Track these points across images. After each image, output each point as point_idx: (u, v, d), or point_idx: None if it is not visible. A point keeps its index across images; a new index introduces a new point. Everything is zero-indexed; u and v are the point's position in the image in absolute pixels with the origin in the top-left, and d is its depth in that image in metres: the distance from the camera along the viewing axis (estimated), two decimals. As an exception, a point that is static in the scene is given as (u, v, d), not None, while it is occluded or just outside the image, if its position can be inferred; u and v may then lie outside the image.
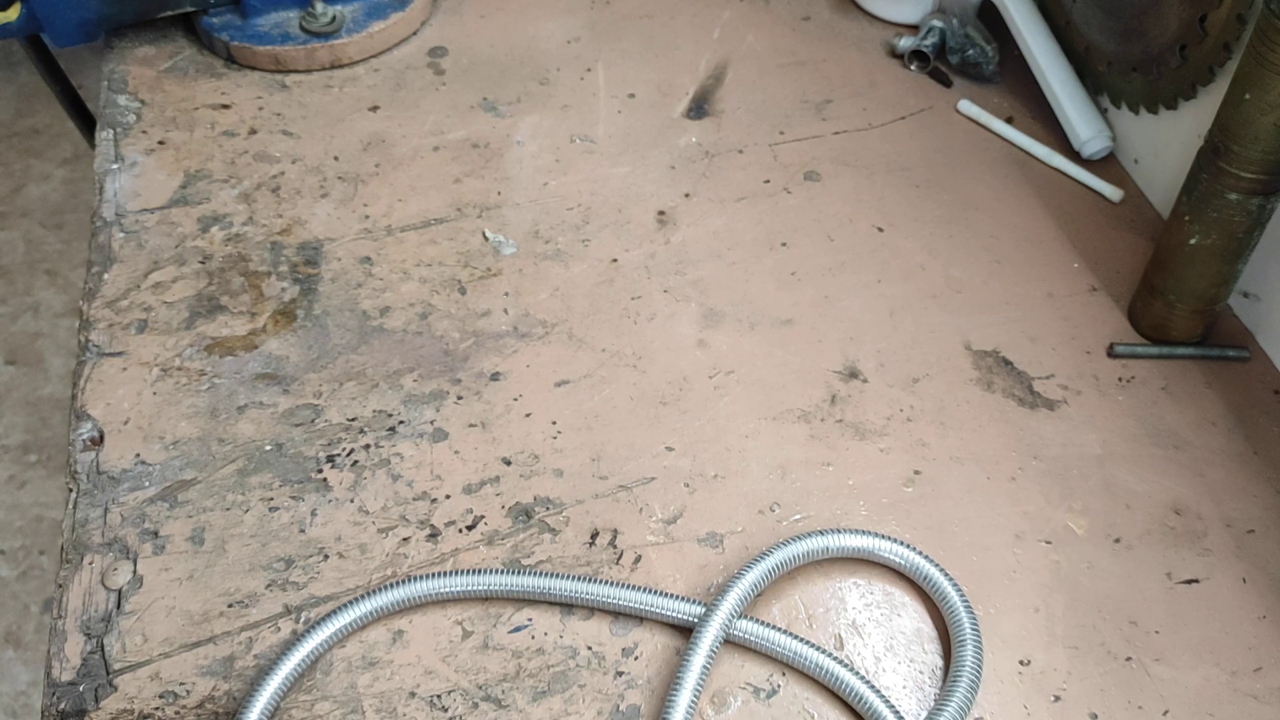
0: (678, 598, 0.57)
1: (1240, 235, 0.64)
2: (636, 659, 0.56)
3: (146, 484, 0.62)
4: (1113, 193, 0.81)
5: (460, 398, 0.67)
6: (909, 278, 0.75)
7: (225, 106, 0.86)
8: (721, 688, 0.55)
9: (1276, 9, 0.56)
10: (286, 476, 0.63)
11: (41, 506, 1.68)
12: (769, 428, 0.66)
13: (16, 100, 2.32)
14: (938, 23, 0.91)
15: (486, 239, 0.77)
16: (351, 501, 0.62)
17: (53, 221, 2.10)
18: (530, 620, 0.57)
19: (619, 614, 0.58)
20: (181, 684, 0.54)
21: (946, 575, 0.58)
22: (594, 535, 0.61)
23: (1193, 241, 0.66)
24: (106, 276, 0.73)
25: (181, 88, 0.88)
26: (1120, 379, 0.70)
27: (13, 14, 0.82)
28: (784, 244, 0.78)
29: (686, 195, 0.81)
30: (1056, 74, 0.85)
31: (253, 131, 0.84)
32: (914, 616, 0.58)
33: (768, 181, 0.82)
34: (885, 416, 0.67)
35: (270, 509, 0.61)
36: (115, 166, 0.81)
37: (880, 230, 0.79)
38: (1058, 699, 0.55)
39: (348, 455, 0.64)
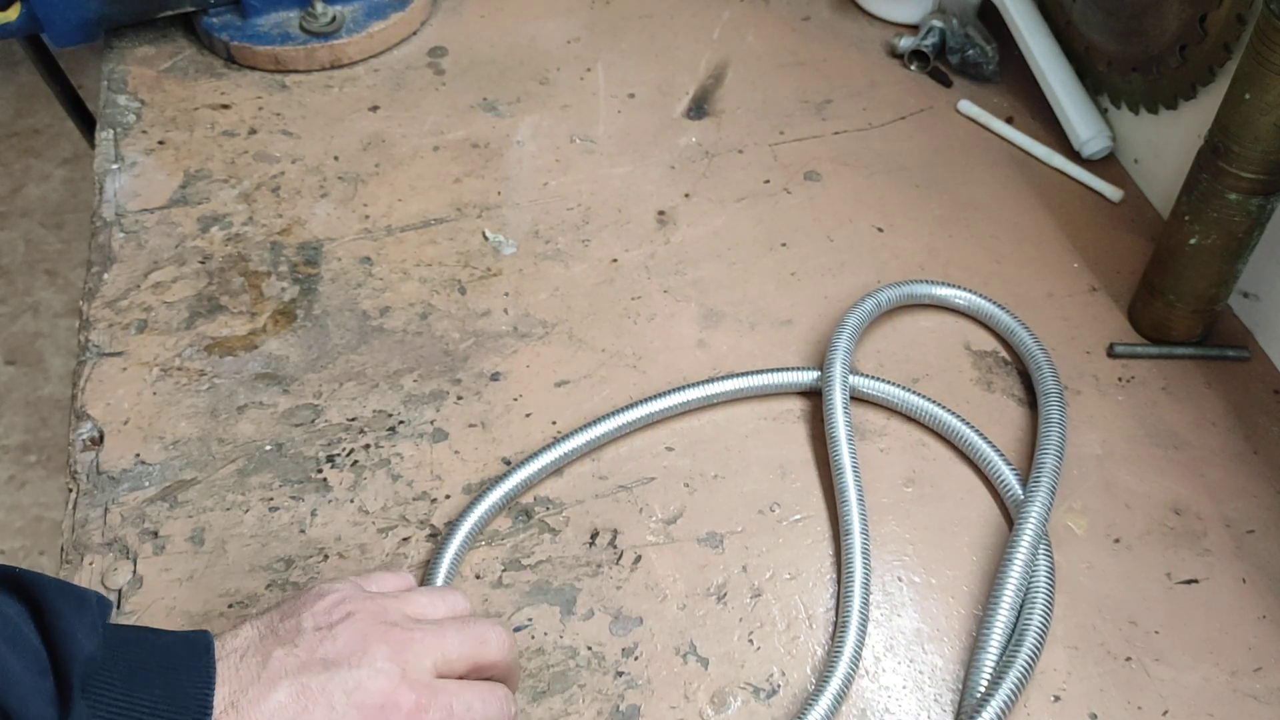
0: (789, 368, 0.67)
1: (1240, 235, 0.64)
2: (636, 659, 0.56)
3: (146, 484, 0.62)
4: (1113, 193, 0.81)
5: (460, 398, 0.67)
6: (909, 278, 0.75)
7: (225, 106, 0.86)
8: (721, 688, 0.55)
9: (1276, 9, 0.56)
10: (286, 476, 0.63)
11: (41, 506, 1.68)
12: (769, 428, 0.67)
13: (16, 100, 2.32)
14: (938, 23, 0.91)
15: (486, 239, 0.77)
16: (351, 501, 0.62)
17: (53, 221, 2.10)
18: (530, 620, 0.57)
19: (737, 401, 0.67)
20: (181, 684, 0.54)
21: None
22: (594, 535, 0.61)
23: (1193, 241, 0.66)
24: (106, 276, 0.73)
25: (181, 88, 0.88)
26: (1120, 379, 0.70)
27: (13, 14, 0.82)
28: (784, 244, 0.78)
29: (686, 195, 0.81)
30: (1056, 74, 0.85)
31: (253, 131, 0.84)
32: (914, 616, 0.58)
33: (768, 181, 0.82)
34: (885, 416, 0.67)
35: (270, 509, 0.61)
36: (115, 166, 0.81)
37: (880, 230, 0.79)
38: (1057, 699, 0.55)
39: (348, 455, 0.64)
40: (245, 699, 0.43)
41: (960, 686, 0.55)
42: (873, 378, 0.67)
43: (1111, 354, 0.71)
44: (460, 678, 0.48)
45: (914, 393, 0.66)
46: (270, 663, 0.45)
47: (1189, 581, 0.60)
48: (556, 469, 0.63)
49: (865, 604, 0.57)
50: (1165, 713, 0.55)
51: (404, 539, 0.60)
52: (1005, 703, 0.52)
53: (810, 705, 0.53)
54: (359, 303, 0.72)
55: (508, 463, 0.64)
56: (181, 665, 0.43)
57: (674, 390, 0.66)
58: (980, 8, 0.92)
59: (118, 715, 0.41)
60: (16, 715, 0.39)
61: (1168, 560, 0.61)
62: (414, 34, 0.94)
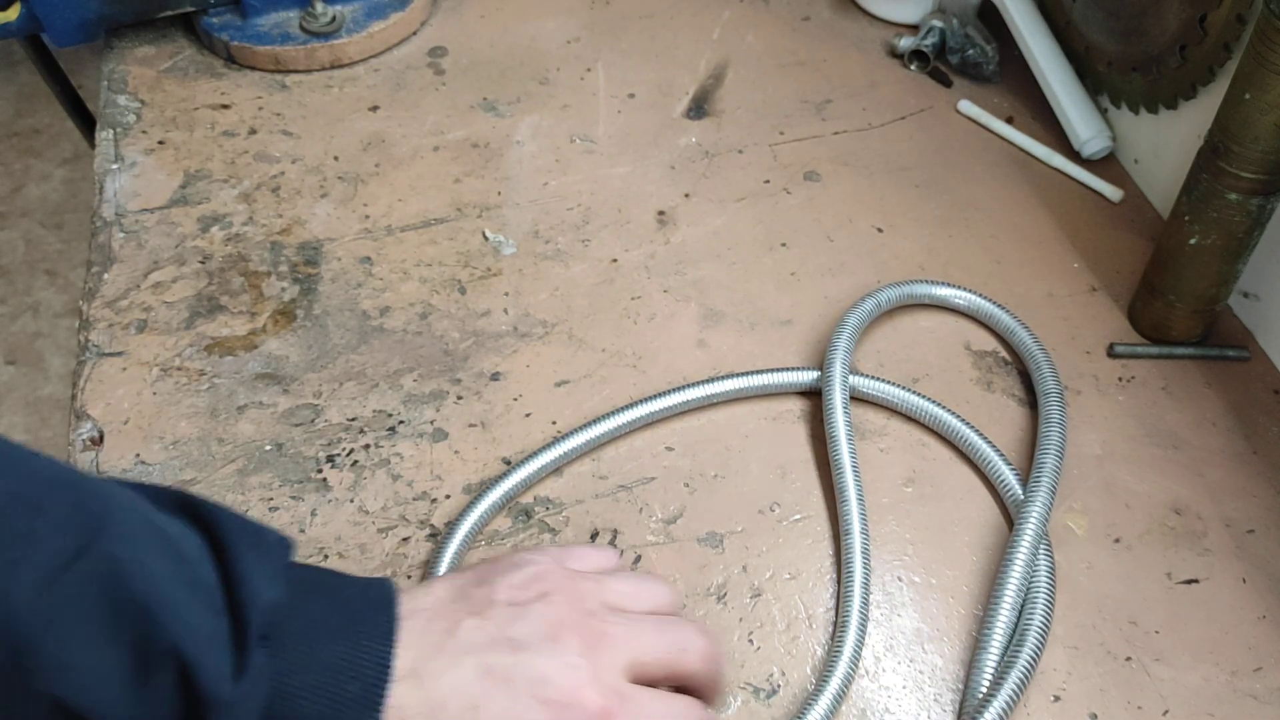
0: (790, 368, 0.67)
1: (1240, 235, 0.64)
2: (636, 659, 0.56)
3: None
4: (1113, 193, 0.81)
5: (460, 398, 0.67)
6: (909, 278, 0.75)
7: (225, 106, 0.86)
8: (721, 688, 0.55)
9: (1276, 9, 0.56)
10: (286, 476, 0.63)
11: (41, 506, 1.68)
12: (769, 428, 0.67)
13: (16, 100, 2.32)
14: (938, 23, 0.91)
15: (486, 239, 0.77)
16: (351, 501, 0.62)
17: (53, 221, 2.10)
18: (530, 620, 0.57)
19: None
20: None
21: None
22: (594, 535, 0.61)
23: (1193, 241, 0.66)
24: (106, 276, 0.73)
25: (181, 88, 0.88)
26: (1120, 379, 0.70)
27: (13, 14, 0.82)
28: (784, 244, 0.78)
29: (686, 195, 0.81)
30: (1056, 74, 0.85)
31: (253, 131, 0.84)
32: (914, 616, 0.58)
33: (768, 181, 0.82)
34: (885, 416, 0.67)
35: (270, 509, 0.61)
36: (115, 166, 0.81)
37: (880, 230, 0.79)
38: (1057, 699, 0.55)
39: (348, 455, 0.64)
40: (429, 668, 0.41)
41: (961, 686, 0.55)
42: (873, 378, 0.67)
43: (1111, 354, 0.71)
44: (653, 683, 0.45)
45: (914, 393, 0.66)
46: (459, 632, 0.42)
47: (1189, 581, 0.60)
48: (556, 469, 0.63)
49: (865, 604, 0.57)
50: (1165, 713, 0.55)
51: (404, 539, 0.60)
52: (1007, 703, 0.52)
53: (810, 705, 0.53)
54: (359, 303, 0.72)
55: (508, 462, 0.64)
56: (364, 620, 0.41)
57: (674, 390, 0.66)
58: (980, 8, 0.92)
59: (298, 669, 0.39)
60: (193, 663, 0.36)
61: (1168, 560, 0.61)
62: (414, 34, 0.94)
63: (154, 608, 0.36)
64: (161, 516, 0.39)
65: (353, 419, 0.66)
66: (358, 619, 0.41)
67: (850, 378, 0.66)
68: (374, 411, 0.66)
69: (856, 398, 0.67)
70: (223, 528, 0.40)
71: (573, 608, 0.44)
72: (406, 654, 0.41)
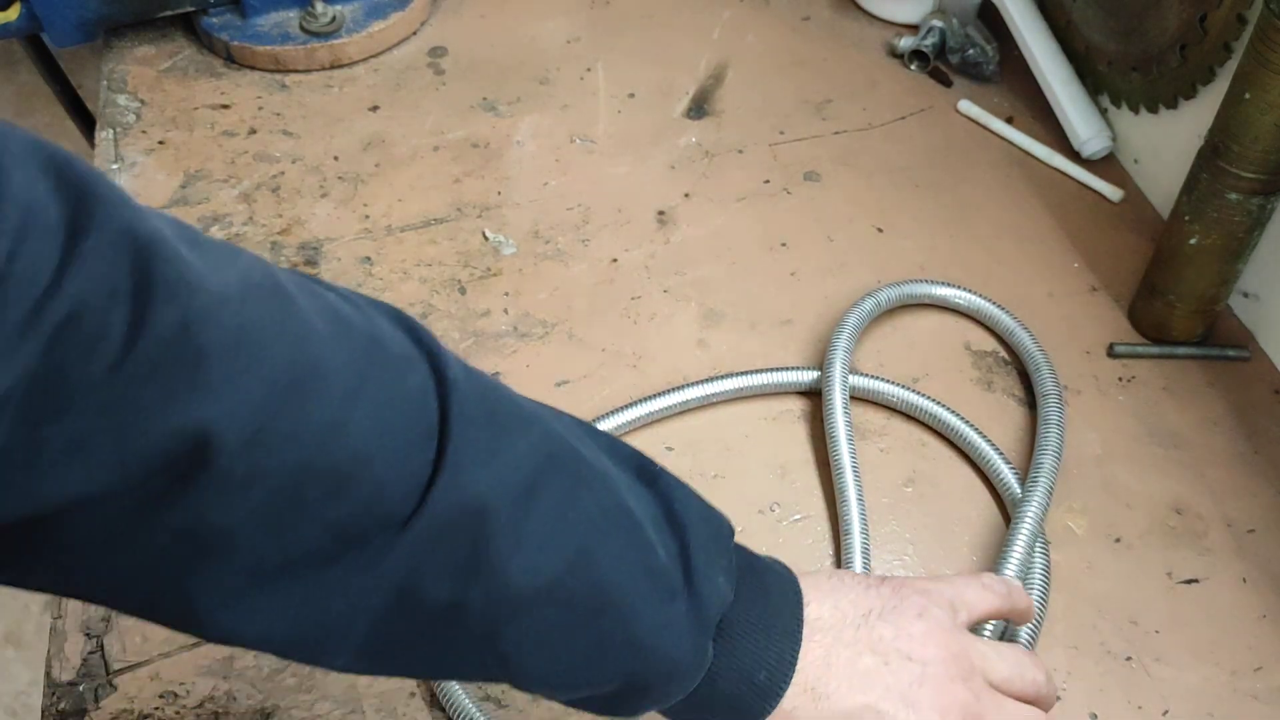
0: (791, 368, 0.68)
1: (1240, 235, 0.64)
2: (636, 659, 0.56)
3: (146, 484, 0.62)
4: (1113, 193, 0.81)
5: (460, 398, 0.67)
6: (909, 278, 0.75)
7: (225, 106, 0.86)
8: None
9: (1276, 9, 0.56)
10: (286, 476, 0.63)
11: (41, 507, 1.68)
12: (769, 428, 0.66)
13: (16, 100, 2.32)
14: (938, 23, 0.91)
15: (486, 239, 0.77)
16: (351, 501, 0.62)
17: (53, 222, 2.09)
18: (530, 620, 0.57)
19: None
20: (181, 684, 0.54)
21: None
22: (594, 535, 0.61)
23: (1193, 241, 0.66)
24: (106, 276, 0.73)
25: (181, 88, 0.88)
26: (1120, 379, 0.70)
27: (13, 14, 0.82)
28: (784, 244, 0.78)
29: (686, 195, 0.81)
30: (1056, 74, 0.85)
31: (253, 131, 0.84)
32: (914, 616, 0.58)
33: (768, 181, 0.82)
34: (885, 416, 0.67)
35: (270, 509, 0.61)
36: (115, 166, 0.81)
37: (880, 230, 0.79)
38: (1057, 699, 0.55)
39: (348, 455, 0.64)
40: (827, 690, 0.43)
41: (960, 686, 0.55)
42: (873, 377, 0.67)
43: (1112, 354, 0.71)
44: None
45: (914, 392, 0.66)
46: (858, 665, 0.44)
47: (1189, 581, 0.60)
48: None
49: None
50: (1165, 712, 0.55)
51: (404, 539, 0.60)
52: None
53: None
54: (359, 303, 0.72)
55: (508, 462, 0.64)
56: (780, 614, 0.43)
57: (674, 390, 0.66)
58: (980, 8, 0.92)
59: (727, 652, 0.42)
60: (649, 650, 0.40)
61: (1168, 560, 0.61)
62: (414, 34, 0.94)
63: (619, 601, 0.39)
64: (626, 483, 0.42)
65: (353, 419, 0.66)
66: (776, 612, 0.43)
67: (850, 378, 0.66)
68: (374, 411, 0.66)
69: (856, 398, 0.67)
70: (680, 504, 0.43)
71: (964, 686, 0.46)
72: (810, 666, 0.43)
